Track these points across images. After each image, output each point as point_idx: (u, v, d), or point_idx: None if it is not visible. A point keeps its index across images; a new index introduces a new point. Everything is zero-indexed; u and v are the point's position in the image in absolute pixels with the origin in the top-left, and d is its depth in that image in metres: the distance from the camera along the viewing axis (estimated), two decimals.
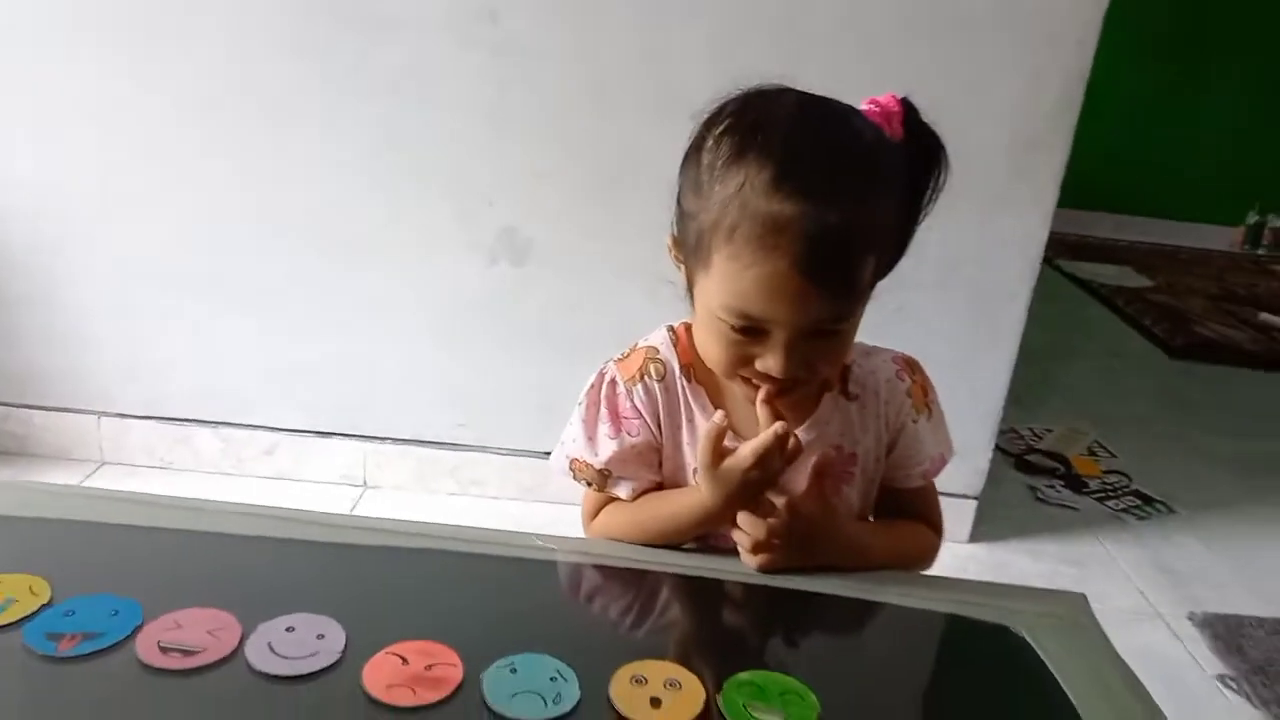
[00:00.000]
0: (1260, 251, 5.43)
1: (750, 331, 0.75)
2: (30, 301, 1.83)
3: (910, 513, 0.93)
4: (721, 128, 0.76)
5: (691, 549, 0.86)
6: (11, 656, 0.62)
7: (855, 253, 0.73)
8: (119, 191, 1.76)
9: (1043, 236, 1.76)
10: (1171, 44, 5.11)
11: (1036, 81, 1.67)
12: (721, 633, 0.77)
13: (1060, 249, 4.83)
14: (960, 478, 1.87)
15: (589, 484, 0.91)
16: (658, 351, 0.89)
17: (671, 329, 0.91)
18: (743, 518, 0.80)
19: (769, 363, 0.76)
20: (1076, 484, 2.25)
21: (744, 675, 0.66)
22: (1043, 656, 0.72)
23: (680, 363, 0.89)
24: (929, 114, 0.82)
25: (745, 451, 0.79)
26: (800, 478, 0.84)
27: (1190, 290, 4.44)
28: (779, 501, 0.79)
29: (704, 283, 0.77)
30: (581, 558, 0.83)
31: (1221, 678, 1.59)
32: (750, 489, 0.80)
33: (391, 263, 1.80)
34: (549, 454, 1.98)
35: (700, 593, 0.79)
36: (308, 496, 1.88)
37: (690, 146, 0.80)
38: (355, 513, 1.81)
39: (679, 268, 0.84)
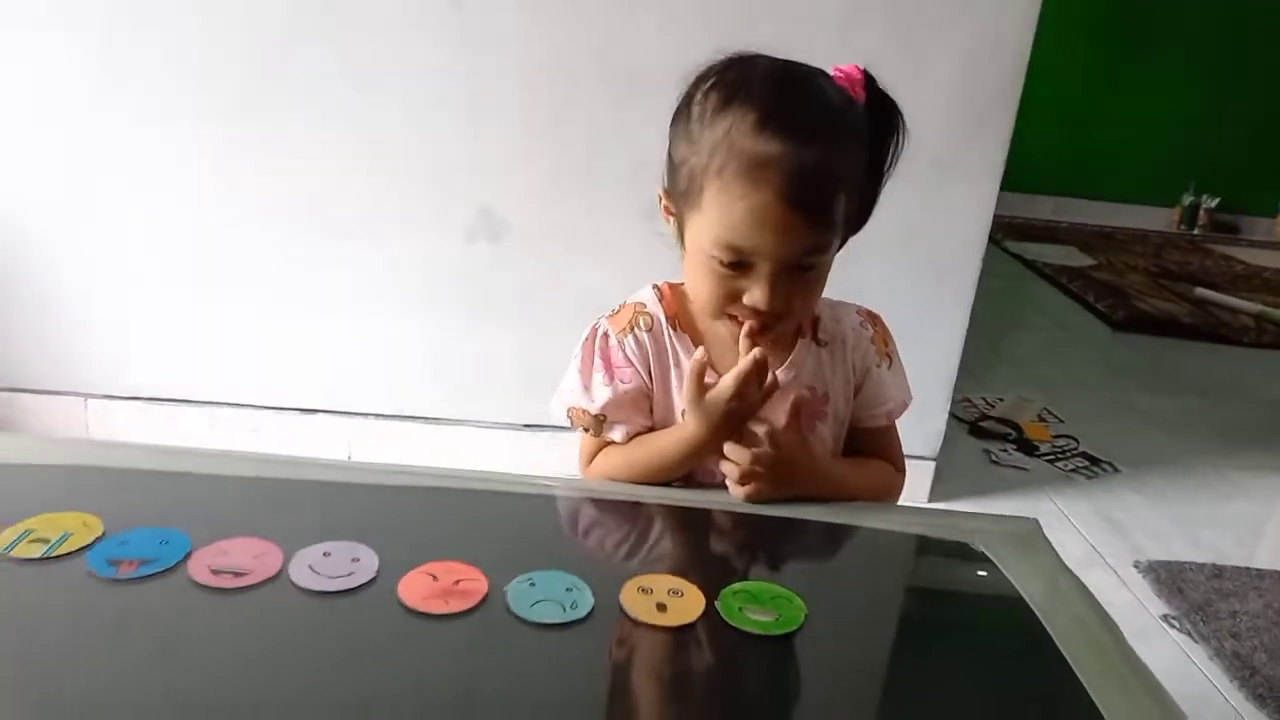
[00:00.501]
0: (1195, 231, 5.66)
1: (738, 266, 0.83)
2: (12, 287, 1.85)
3: (876, 452, 1.02)
4: (708, 85, 0.86)
5: (681, 486, 0.94)
6: (77, 580, 0.68)
7: (832, 186, 0.82)
8: (98, 178, 1.80)
9: (990, 206, 1.87)
10: (1108, 27, 5.29)
11: (981, 56, 1.76)
12: (715, 553, 0.86)
13: (1005, 230, 5.00)
14: (918, 440, 1.98)
15: (586, 430, 0.98)
16: (645, 306, 0.98)
17: (656, 286, 1.00)
18: (729, 448, 0.88)
19: (755, 295, 0.84)
20: (1028, 447, 2.37)
21: (738, 585, 0.74)
22: (1001, 569, 0.81)
23: (666, 315, 0.97)
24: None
25: (726, 381, 0.87)
26: (780, 417, 0.92)
27: (1130, 268, 4.63)
28: (761, 432, 0.87)
29: (696, 222, 0.85)
30: (583, 493, 0.90)
31: (1165, 617, 1.70)
32: (732, 418, 0.88)
33: (371, 244, 1.85)
34: (530, 425, 2.06)
35: (694, 520, 0.87)
36: None
37: (679, 105, 0.89)
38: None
39: (668, 221, 0.93)
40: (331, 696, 0.60)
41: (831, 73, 0.88)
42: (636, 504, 0.87)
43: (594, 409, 0.97)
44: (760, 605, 0.72)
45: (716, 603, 0.71)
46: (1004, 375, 2.92)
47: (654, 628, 0.68)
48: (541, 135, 1.81)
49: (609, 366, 0.97)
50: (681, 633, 0.68)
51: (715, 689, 0.67)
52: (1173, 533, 2.03)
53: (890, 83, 0.87)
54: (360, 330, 1.91)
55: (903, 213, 1.84)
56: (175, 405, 1.93)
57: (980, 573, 0.81)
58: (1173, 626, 1.68)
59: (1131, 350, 3.40)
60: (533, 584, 0.72)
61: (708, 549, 0.86)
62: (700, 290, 0.89)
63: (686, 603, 0.71)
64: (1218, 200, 5.65)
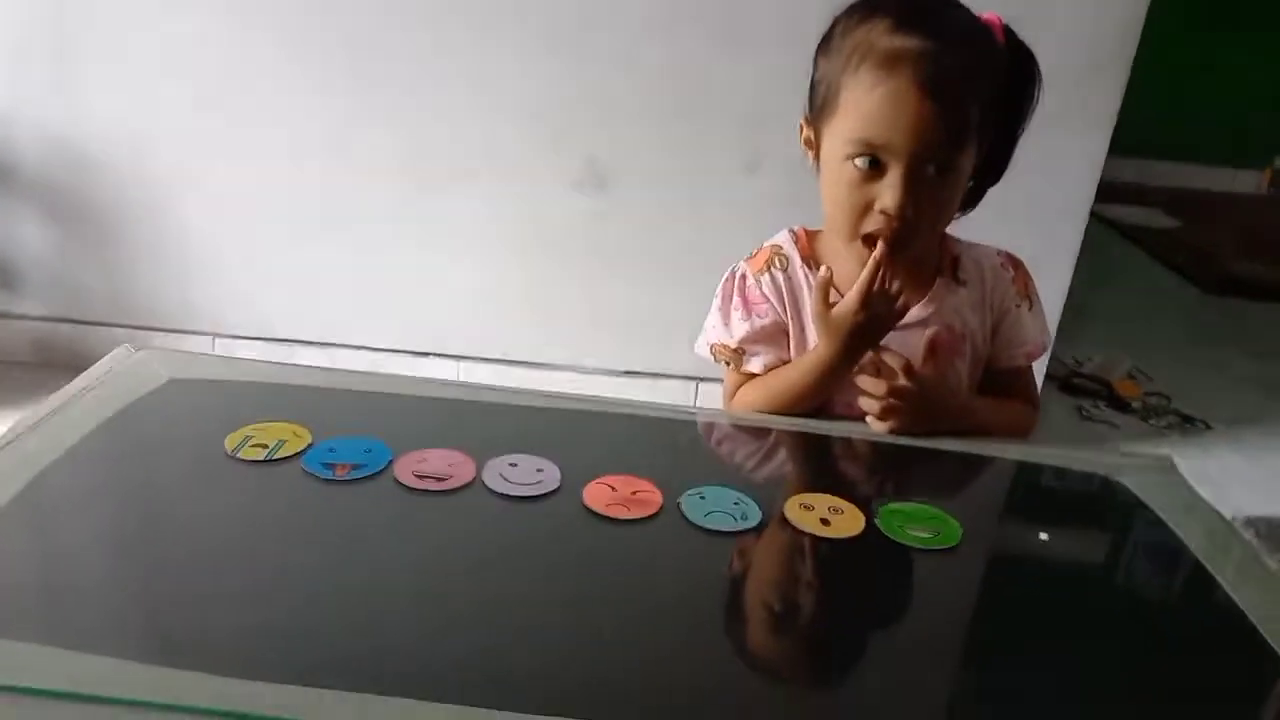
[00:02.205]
0: None
1: (872, 165, 0.86)
2: (140, 234, 1.96)
3: (1012, 392, 1.05)
4: (848, 9, 0.91)
5: (826, 418, 0.99)
6: (297, 481, 0.75)
7: (966, 83, 0.85)
8: (215, 128, 1.89)
9: (1099, 160, 1.86)
10: None
11: (1097, 9, 1.75)
12: (869, 476, 0.91)
13: None
14: None
15: (728, 363, 1.03)
16: (781, 248, 1.02)
17: (792, 230, 1.04)
18: (865, 380, 0.91)
19: (886, 199, 0.86)
20: (1119, 404, 2.37)
21: (894, 505, 0.79)
22: (1142, 498, 0.85)
23: (801, 255, 1.01)
24: None
25: (851, 294, 0.90)
26: (916, 353, 0.96)
27: (1218, 231, 4.51)
28: (898, 366, 0.90)
29: (832, 129, 0.88)
30: (738, 421, 0.96)
31: None
32: (860, 333, 0.90)
33: (478, 193, 1.92)
34: (630, 372, 2.11)
35: (845, 447, 0.92)
36: None
37: (823, 36, 0.93)
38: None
39: (807, 154, 0.96)
40: (525, 592, 0.66)
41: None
42: (789, 432, 0.92)
43: (733, 343, 1.01)
44: (918, 523, 0.77)
45: (876, 520, 0.76)
46: (1092, 334, 2.89)
47: (820, 539, 0.74)
48: (649, 86, 1.84)
49: (746, 303, 1.01)
50: (847, 544, 0.73)
51: (882, 598, 0.71)
52: (1273, 488, 2.02)
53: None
54: (469, 276, 1.98)
55: (1015, 159, 1.84)
56: (296, 345, 2.02)
57: (1120, 499, 0.85)
58: None
59: (1220, 313, 3.34)
60: (703, 497, 0.78)
61: (861, 473, 0.91)
62: (835, 206, 0.91)
63: (848, 519, 0.76)
64: None
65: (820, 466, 0.91)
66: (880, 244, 0.88)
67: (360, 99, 1.86)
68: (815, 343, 0.99)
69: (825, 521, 0.76)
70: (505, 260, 1.97)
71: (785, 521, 0.75)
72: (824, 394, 0.97)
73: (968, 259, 1.02)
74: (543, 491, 0.76)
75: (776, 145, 1.80)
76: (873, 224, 0.88)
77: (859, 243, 0.91)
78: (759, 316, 1.01)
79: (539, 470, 0.79)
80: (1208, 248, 4.08)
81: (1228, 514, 1.92)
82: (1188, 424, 2.30)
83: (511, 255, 1.96)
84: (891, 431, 0.92)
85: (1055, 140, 1.81)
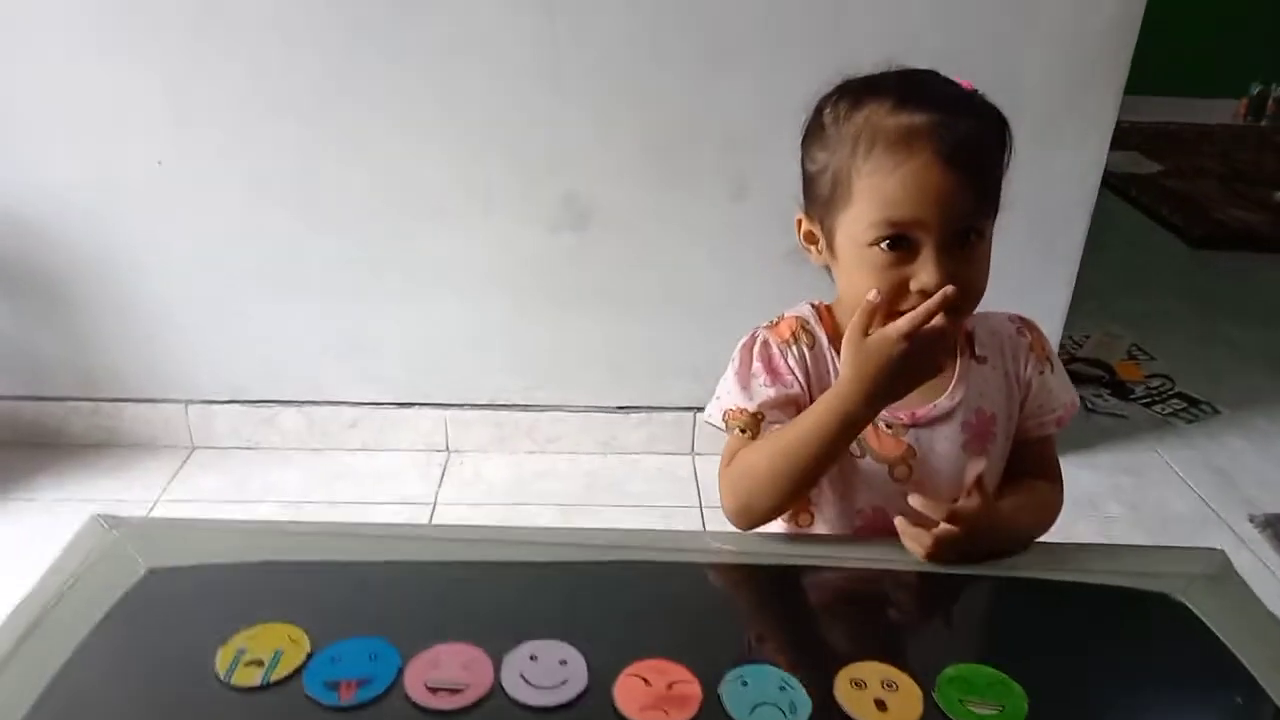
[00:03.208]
0: (1264, 123, 5.42)
1: (901, 247, 0.80)
2: (103, 303, 1.86)
3: (1036, 465, 0.98)
4: (835, 97, 0.86)
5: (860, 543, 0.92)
6: (300, 707, 0.68)
7: (986, 148, 0.82)
8: (173, 186, 1.77)
9: (1100, 165, 1.79)
10: None
11: (1090, 10, 1.67)
12: (917, 626, 0.84)
13: None
14: None
15: (742, 430, 0.91)
16: (806, 322, 0.93)
17: (813, 305, 0.95)
18: (908, 531, 0.84)
19: (923, 277, 0.79)
20: (1122, 391, 2.33)
21: (951, 670, 0.73)
22: (1202, 618, 0.79)
23: (827, 334, 0.93)
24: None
25: (899, 322, 0.79)
26: (946, 447, 0.90)
27: (1201, 172, 4.45)
28: (939, 515, 0.83)
29: (848, 219, 0.83)
30: (757, 558, 0.89)
31: None
32: (892, 368, 0.79)
33: (454, 234, 1.82)
34: (621, 408, 2.06)
35: (887, 588, 0.85)
36: (395, 464, 1.94)
37: (809, 124, 0.88)
38: (520, 523, 1.86)
39: (809, 252, 0.90)
40: None
41: None
42: (826, 569, 0.85)
43: (752, 407, 0.90)
44: (979, 695, 0.71)
45: (935, 694, 0.70)
46: (1087, 309, 2.81)
47: None
48: (629, 114, 1.75)
49: (771, 371, 0.92)
50: None
51: None
52: None
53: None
54: (449, 322, 1.90)
55: (1011, 172, 1.77)
56: (274, 406, 1.94)
57: (1182, 627, 0.79)
58: None
59: (1213, 271, 3.29)
60: (745, 683, 0.71)
61: (912, 626, 0.85)
62: (863, 294, 0.82)
63: (904, 697, 0.70)
64: None
65: (866, 619, 0.84)
66: (948, 288, 0.79)
67: (325, 143, 1.75)
68: None
69: (880, 704, 0.70)
70: (487, 302, 1.88)
71: (838, 709, 0.69)
72: (833, 449, 0.84)
73: (982, 331, 0.95)
74: (570, 697, 0.70)
75: (761, 170, 1.72)
76: (909, 305, 0.81)
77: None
78: (784, 386, 0.91)
79: (562, 663, 0.72)
80: (1194, 196, 4.03)
81: (1244, 511, 1.89)
82: (1194, 408, 2.26)
83: (493, 297, 1.87)
84: (930, 559, 0.85)
85: (1054, 148, 1.75)
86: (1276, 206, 3.87)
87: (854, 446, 0.89)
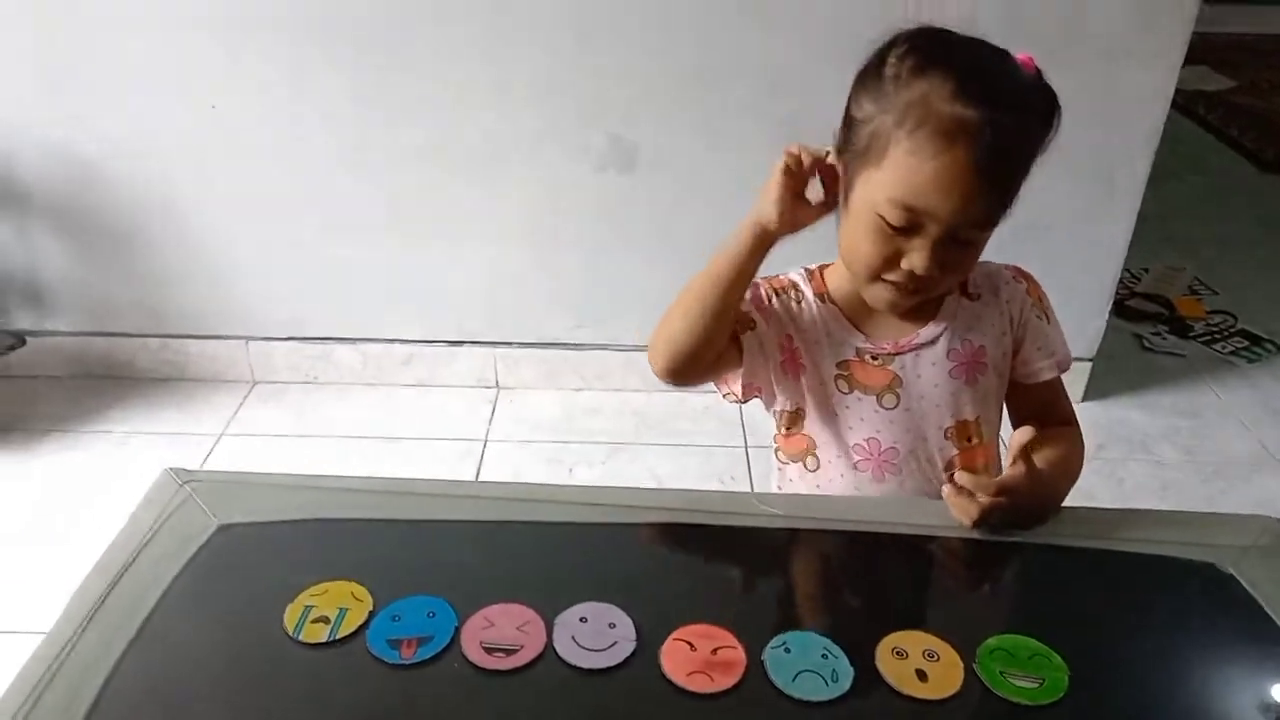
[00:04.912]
0: None
1: (906, 227, 0.82)
2: (167, 243, 1.90)
3: (1050, 412, 0.99)
4: (903, 49, 0.84)
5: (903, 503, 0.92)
6: (364, 667, 0.72)
7: (1022, 160, 0.83)
8: (229, 133, 1.79)
9: (1169, 93, 1.72)
10: None
11: None
12: (958, 594, 0.86)
13: None
14: (1079, 342, 1.91)
15: None
16: (796, 284, 0.98)
17: (807, 269, 0.99)
18: (959, 502, 0.84)
19: (914, 260, 0.83)
20: (1182, 328, 2.27)
21: (993, 641, 0.74)
22: (1251, 591, 0.79)
23: (814, 291, 0.97)
24: None
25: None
26: (932, 370, 0.94)
27: (1275, 87, 4.23)
28: (987, 491, 0.83)
29: (871, 180, 0.84)
30: (804, 522, 0.90)
31: None
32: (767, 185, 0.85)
33: (503, 178, 1.83)
34: None
35: (924, 552, 0.86)
36: (447, 399, 1.99)
37: (868, 64, 0.87)
38: (567, 482, 1.89)
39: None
40: None
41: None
42: (870, 534, 0.87)
43: None
44: (1020, 668, 0.72)
45: (976, 666, 0.72)
46: (1147, 237, 2.70)
47: (919, 701, 0.69)
48: (666, 57, 1.72)
49: (752, 296, 0.95)
50: (948, 707, 0.69)
51: None
52: None
53: None
54: (497, 263, 1.91)
55: (1072, 100, 1.70)
56: (329, 343, 1.98)
57: (1229, 600, 0.80)
58: None
59: None
60: (788, 650, 0.73)
61: (951, 590, 0.86)
62: (858, 250, 0.87)
63: (945, 668, 0.72)
64: None
65: (910, 587, 0.85)
66: None
67: (374, 93, 1.76)
68: (832, 374, 0.96)
69: (922, 675, 0.71)
70: (533, 245, 1.89)
71: (879, 678, 0.71)
72: (730, 266, 0.87)
73: (977, 274, 0.97)
74: (619, 660, 0.72)
75: (808, 115, 1.67)
76: (895, 275, 0.86)
77: (878, 283, 0.87)
78: (758, 309, 0.94)
79: (611, 626, 0.75)
80: (1267, 114, 3.84)
81: None
82: (1256, 347, 2.20)
83: (538, 240, 1.88)
84: (976, 524, 0.86)
85: (1121, 73, 1.68)
86: None
87: (843, 383, 0.95)
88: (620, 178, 1.80)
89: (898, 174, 0.81)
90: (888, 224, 0.83)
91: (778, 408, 1.00)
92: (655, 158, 1.79)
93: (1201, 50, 4.70)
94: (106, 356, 1.99)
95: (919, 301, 0.91)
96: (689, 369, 0.91)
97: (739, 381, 0.94)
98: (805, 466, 1.01)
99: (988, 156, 0.79)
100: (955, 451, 0.97)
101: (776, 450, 1.06)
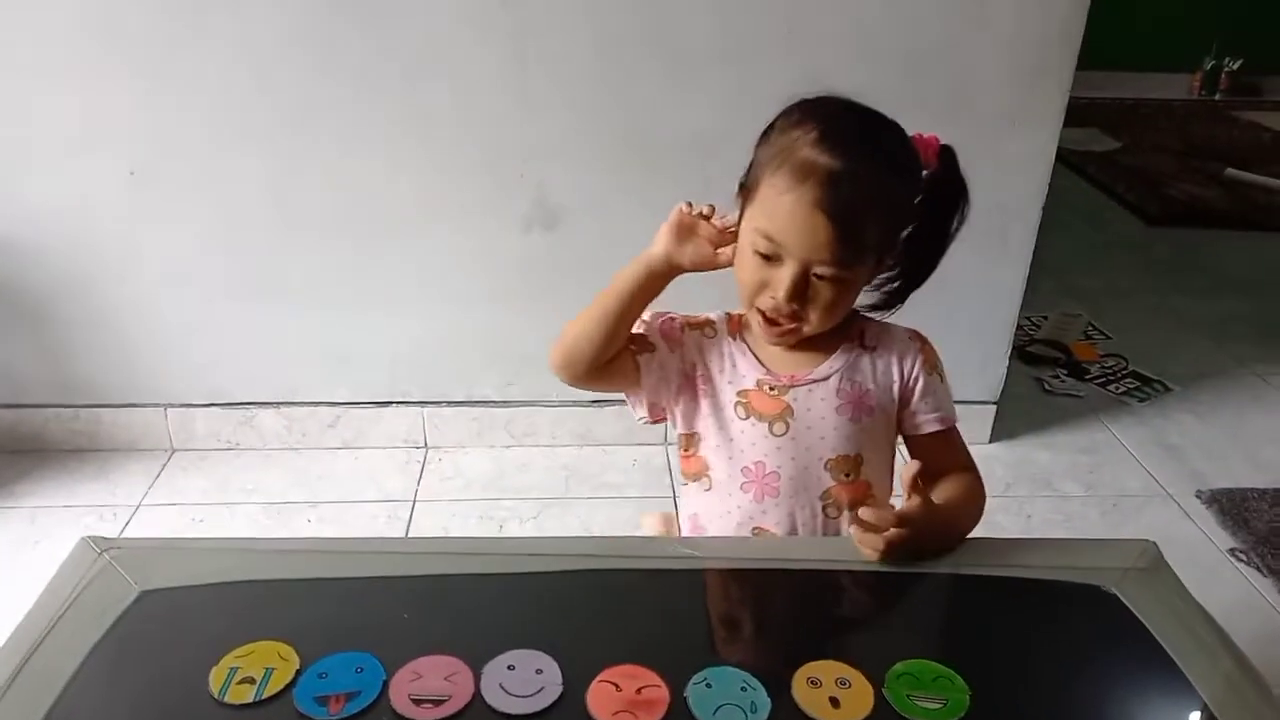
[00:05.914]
0: (1218, 97, 5.51)
1: (770, 257, 0.93)
2: (78, 313, 1.88)
3: (948, 460, 1.05)
4: (793, 107, 0.97)
5: (812, 543, 0.97)
6: None
7: (863, 207, 0.91)
8: (148, 199, 1.79)
9: (1050, 155, 1.85)
10: None
11: (1039, 7, 1.72)
12: (865, 623, 0.91)
13: None
14: (981, 386, 2.01)
15: None
16: (713, 322, 1.08)
17: (728, 312, 1.08)
18: (863, 536, 0.90)
19: (776, 290, 0.93)
20: (1078, 371, 2.40)
21: (899, 666, 0.78)
22: (1133, 610, 0.85)
23: (729, 330, 1.07)
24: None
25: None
26: (819, 405, 1.01)
27: (1157, 148, 4.54)
28: (884, 522, 0.89)
29: (749, 211, 0.96)
30: (722, 562, 0.94)
31: (1232, 551, 1.76)
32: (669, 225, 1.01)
33: (428, 238, 1.86)
34: (595, 402, 2.09)
35: (839, 587, 0.91)
36: (374, 461, 1.98)
37: (769, 123, 0.98)
38: (499, 533, 1.91)
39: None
40: None
41: (911, 135, 0.96)
42: (782, 572, 0.91)
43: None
44: (925, 690, 0.77)
45: (885, 690, 0.76)
46: (1044, 288, 2.90)
47: None
48: (593, 121, 1.79)
49: (658, 319, 1.07)
50: None
51: None
52: (1230, 454, 2.08)
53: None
54: (424, 322, 1.93)
55: (963, 160, 1.82)
56: (251, 408, 1.96)
57: (1113, 619, 0.85)
58: (1240, 560, 1.74)
59: (1167, 246, 3.38)
60: (709, 685, 0.76)
61: (859, 620, 0.91)
62: (740, 276, 0.98)
63: (856, 694, 0.76)
64: (1240, 62, 5.47)
65: (822, 619, 0.89)
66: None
67: (296, 156, 1.77)
68: (731, 402, 1.04)
69: (834, 701, 0.75)
70: (461, 302, 1.91)
71: (795, 707, 0.74)
72: (633, 287, 1.01)
73: (875, 330, 1.06)
74: (546, 704, 0.74)
75: (727, 171, 1.75)
76: (765, 302, 0.96)
77: (754, 311, 0.98)
78: (657, 328, 1.06)
79: (538, 672, 0.77)
80: (1149, 172, 4.11)
81: (1192, 486, 1.97)
82: (1147, 387, 2.34)
83: (466, 298, 1.91)
84: (880, 559, 0.91)
85: (1007, 139, 1.80)
86: (1229, 182, 3.96)
87: (741, 409, 1.03)
88: (546, 236, 1.85)
89: (764, 207, 0.93)
90: (758, 252, 0.93)
91: (679, 430, 1.08)
92: (580, 217, 1.84)
93: (1090, 114, 5.06)
94: (13, 429, 1.94)
95: (795, 337, 0.99)
96: (575, 366, 1.03)
97: (644, 404, 1.06)
98: (701, 487, 1.08)
99: (830, 200, 0.88)
100: (833, 483, 1.02)
101: (681, 471, 1.12)
